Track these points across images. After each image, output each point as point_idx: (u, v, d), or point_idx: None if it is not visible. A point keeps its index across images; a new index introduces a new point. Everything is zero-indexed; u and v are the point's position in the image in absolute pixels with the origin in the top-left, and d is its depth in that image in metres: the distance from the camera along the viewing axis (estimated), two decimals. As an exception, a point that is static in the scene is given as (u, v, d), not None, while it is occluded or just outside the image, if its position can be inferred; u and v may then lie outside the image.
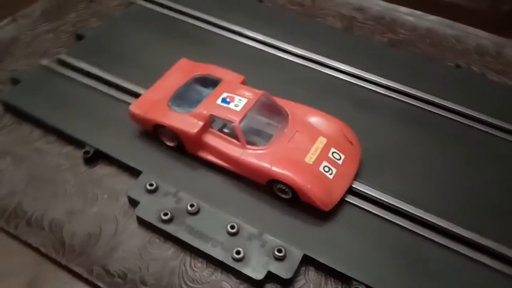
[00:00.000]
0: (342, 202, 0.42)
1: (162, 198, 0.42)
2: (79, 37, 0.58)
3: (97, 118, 0.48)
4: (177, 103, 0.44)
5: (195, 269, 0.39)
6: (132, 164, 0.44)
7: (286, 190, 0.41)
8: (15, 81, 0.52)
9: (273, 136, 0.42)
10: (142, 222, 0.41)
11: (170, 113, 0.44)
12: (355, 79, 0.54)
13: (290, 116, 0.44)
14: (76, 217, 0.42)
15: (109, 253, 0.39)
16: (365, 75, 0.54)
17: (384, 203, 0.42)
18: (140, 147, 0.46)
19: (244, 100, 0.43)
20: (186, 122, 0.42)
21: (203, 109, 0.43)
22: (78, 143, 0.46)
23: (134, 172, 0.44)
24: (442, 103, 0.51)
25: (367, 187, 0.43)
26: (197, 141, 0.43)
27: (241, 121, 0.41)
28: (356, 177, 0.43)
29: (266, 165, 0.40)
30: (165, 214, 0.40)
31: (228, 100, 0.43)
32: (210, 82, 0.46)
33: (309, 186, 0.39)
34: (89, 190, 0.44)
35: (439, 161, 0.46)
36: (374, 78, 0.54)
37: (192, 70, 0.48)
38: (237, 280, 0.38)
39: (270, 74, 0.54)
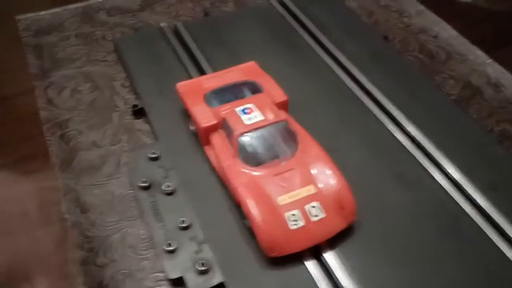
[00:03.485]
0: (299, 260, 0.39)
1: (156, 168, 0.45)
2: (206, 14, 0.64)
3: (163, 84, 0.53)
4: (213, 96, 0.46)
5: (139, 239, 0.42)
6: (155, 128, 0.48)
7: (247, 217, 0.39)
8: (135, 30, 0.61)
9: (267, 163, 0.41)
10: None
11: (199, 102, 0.46)
12: (418, 150, 0.47)
13: (297, 152, 0.42)
14: (94, 148, 0.48)
15: (90, 187, 0.45)
16: (433, 153, 0.46)
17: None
18: (173, 119, 0.49)
19: (260, 118, 0.42)
20: (204, 115, 0.44)
21: (223, 110, 0.44)
22: (138, 95, 0.53)
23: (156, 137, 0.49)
24: (501, 225, 0.41)
25: (338, 261, 0.38)
26: (205, 136, 0.44)
27: (242, 134, 0.41)
28: (332, 245, 0.39)
29: (236, 184, 0.40)
30: (144, 182, 0.43)
31: (247, 111, 0.43)
32: (254, 90, 0.47)
33: (260, 224, 0.37)
34: (119, 134, 0.50)
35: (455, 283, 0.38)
36: (441, 162, 0.46)
37: (251, 74, 0.49)
38: (160, 267, 0.40)
39: (333, 110, 0.51)
